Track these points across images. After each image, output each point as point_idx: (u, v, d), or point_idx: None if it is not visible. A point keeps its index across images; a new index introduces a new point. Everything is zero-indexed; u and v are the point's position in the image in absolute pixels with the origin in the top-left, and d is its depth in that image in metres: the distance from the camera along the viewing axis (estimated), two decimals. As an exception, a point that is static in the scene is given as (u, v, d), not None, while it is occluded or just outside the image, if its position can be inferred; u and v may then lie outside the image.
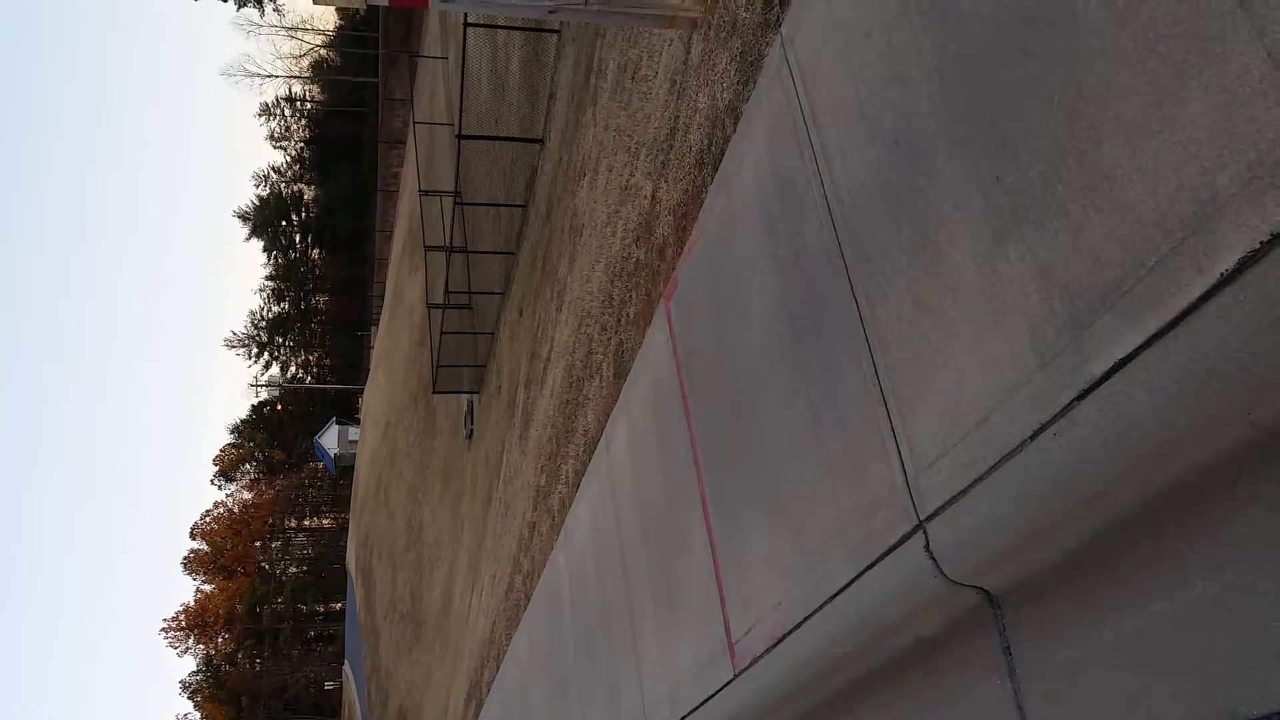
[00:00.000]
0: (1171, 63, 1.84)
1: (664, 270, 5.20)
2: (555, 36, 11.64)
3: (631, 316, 6.04)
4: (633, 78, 6.75)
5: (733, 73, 4.23)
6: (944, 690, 2.80)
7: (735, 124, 4.10)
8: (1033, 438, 2.14)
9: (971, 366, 2.38)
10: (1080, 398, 2.02)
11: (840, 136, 3.09)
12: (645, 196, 5.84)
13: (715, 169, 4.30)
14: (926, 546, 2.54)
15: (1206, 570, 1.98)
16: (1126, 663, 2.18)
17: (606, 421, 6.42)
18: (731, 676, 3.88)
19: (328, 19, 71.88)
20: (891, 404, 2.73)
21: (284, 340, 79.71)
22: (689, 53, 5.14)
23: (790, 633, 3.35)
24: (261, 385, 79.46)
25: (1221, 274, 1.72)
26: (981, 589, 2.55)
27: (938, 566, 2.52)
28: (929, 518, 2.53)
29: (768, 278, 3.62)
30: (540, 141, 12.20)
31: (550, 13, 4.90)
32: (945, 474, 2.45)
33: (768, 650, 3.54)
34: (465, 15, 12.89)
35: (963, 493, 2.38)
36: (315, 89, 76.95)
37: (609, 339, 6.68)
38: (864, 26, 2.98)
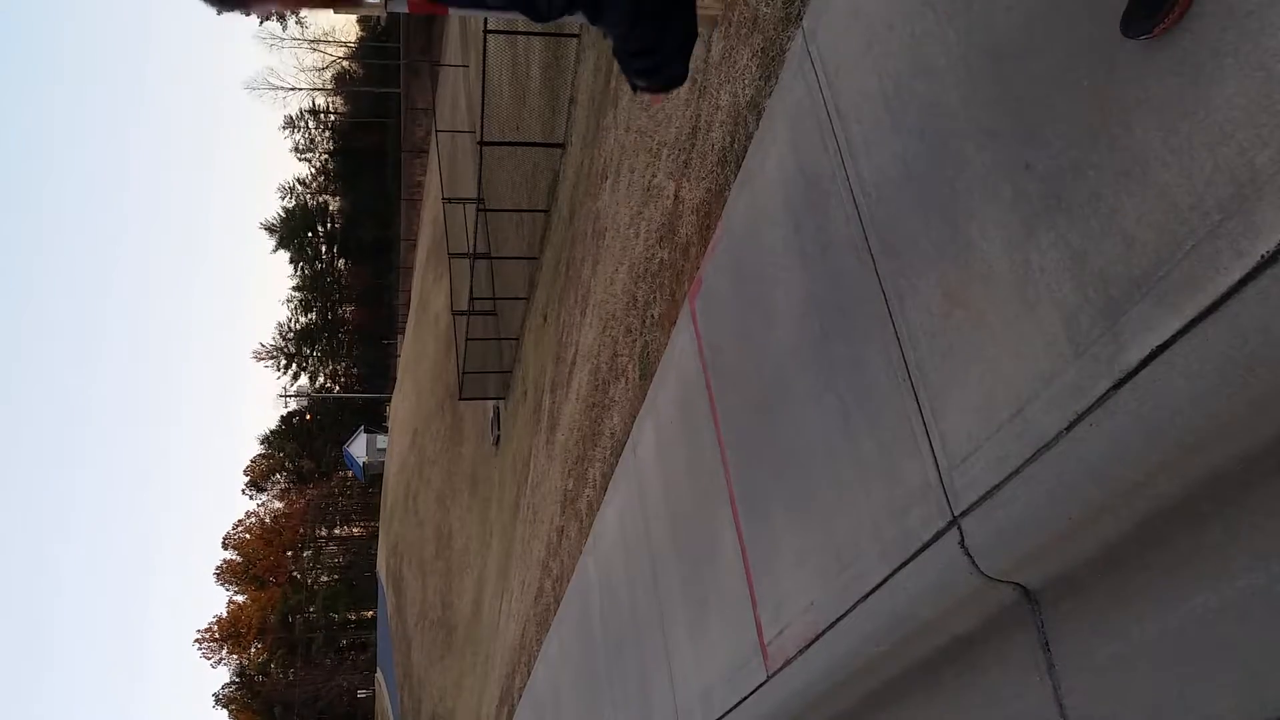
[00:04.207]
0: (1205, 40, 1.79)
1: (688, 270, 5.18)
2: (575, 41, 11.66)
3: (656, 317, 6.02)
4: (653, 79, 6.73)
5: (754, 69, 4.20)
6: (982, 689, 2.75)
7: (758, 120, 4.08)
8: (1069, 429, 2.10)
9: (1004, 358, 2.34)
10: (1117, 386, 1.98)
11: (865, 129, 3.05)
12: (668, 197, 5.82)
13: (738, 166, 4.27)
14: (961, 543, 2.49)
15: (1252, 562, 1.93)
16: (1170, 658, 2.13)
17: (633, 424, 6.40)
18: (764, 679, 3.85)
19: (349, 31, 72.57)
20: (923, 398, 2.68)
21: (312, 350, 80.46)
22: (709, 50, 5.11)
23: (823, 634, 3.31)
24: (290, 396, 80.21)
25: (1262, 256, 1.67)
26: (1018, 585, 2.50)
27: (973, 563, 2.48)
28: (963, 513, 2.49)
29: (793, 274, 3.59)
30: (562, 146, 12.23)
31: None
32: (979, 468, 2.41)
33: (800, 652, 3.50)
34: (485, 22, 12.94)
35: (998, 487, 2.34)
36: (338, 101, 77.70)
37: (634, 341, 6.66)
38: (887, 17, 2.94)
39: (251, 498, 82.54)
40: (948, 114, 2.60)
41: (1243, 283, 1.70)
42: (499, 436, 18.14)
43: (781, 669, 3.68)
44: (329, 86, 76.28)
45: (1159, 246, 1.88)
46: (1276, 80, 1.66)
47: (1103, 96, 2.04)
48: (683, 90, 5.72)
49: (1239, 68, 1.73)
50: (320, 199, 78.08)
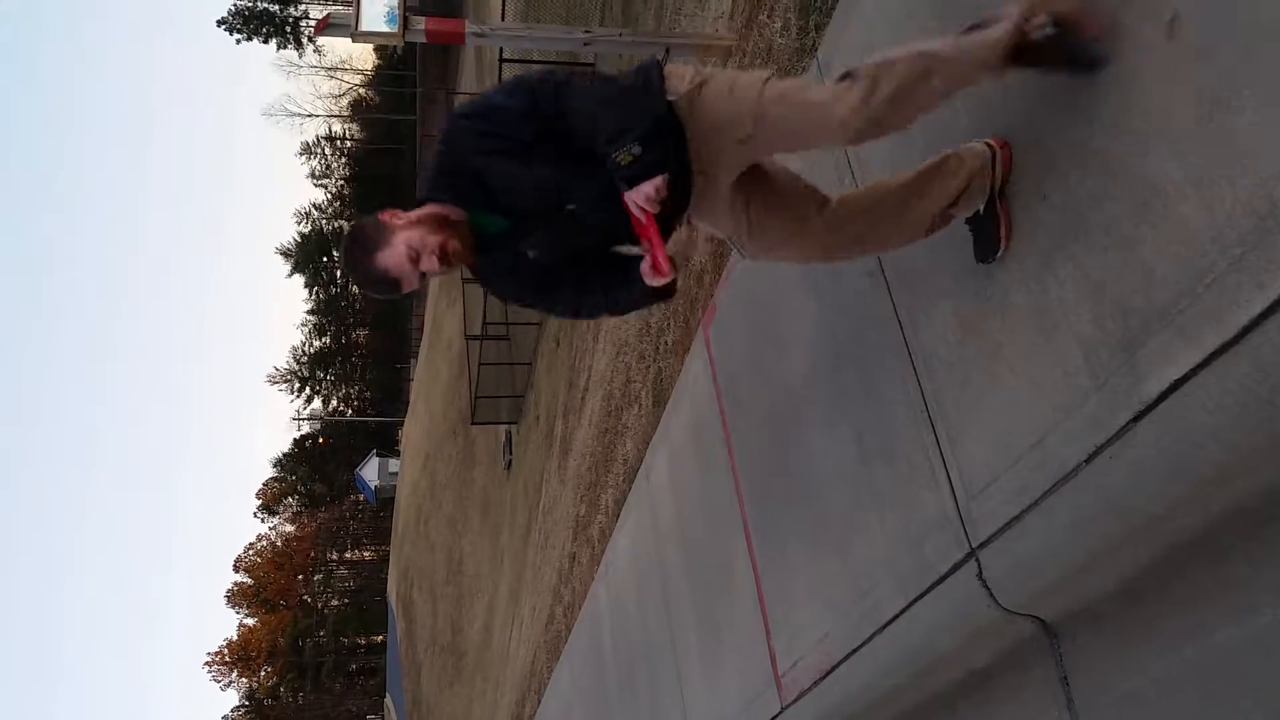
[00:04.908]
0: (1223, 73, 1.79)
1: (702, 297, 5.18)
2: (589, 70, 11.74)
3: (669, 344, 6.02)
4: (667, 107, 6.77)
5: (769, 99, 4.21)
6: (999, 723, 2.72)
7: (772, 150, 4.08)
8: (1088, 461, 2.08)
9: (1022, 389, 2.33)
10: (1137, 419, 1.96)
11: (879, 157, 3.06)
12: (682, 223, 5.82)
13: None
14: (979, 575, 2.47)
15: (1274, 597, 1.91)
16: (1190, 694, 2.10)
17: (646, 450, 6.38)
18: (778, 710, 3.81)
19: (366, 58, 73.34)
20: (940, 428, 2.67)
21: (325, 374, 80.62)
22: (724, 80, 5.14)
23: (838, 665, 3.28)
24: (303, 419, 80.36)
25: (1284, 290, 1.66)
26: (1037, 618, 2.48)
27: (991, 595, 2.45)
28: (981, 545, 2.47)
29: (808, 302, 3.59)
30: (576, 173, 12.26)
31: (584, 45, 4.94)
32: (997, 500, 2.39)
33: (815, 684, 3.46)
34: (500, 51, 13.05)
35: (1016, 519, 2.32)
36: (354, 127, 78.37)
37: (647, 367, 6.67)
38: (902, 48, 2.95)
39: (263, 521, 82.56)
40: (963, 142, 2.60)
41: (1263, 316, 1.69)
42: (511, 461, 18.13)
43: (796, 701, 3.64)
44: (345, 113, 77.05)
45: (1178, 279, 1.87)
46: (1296, 113, 1.66)
47: (1118, 126, 2.04)
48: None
49: (1257, 100, 1.72)
50: (336, 224, 78.57)
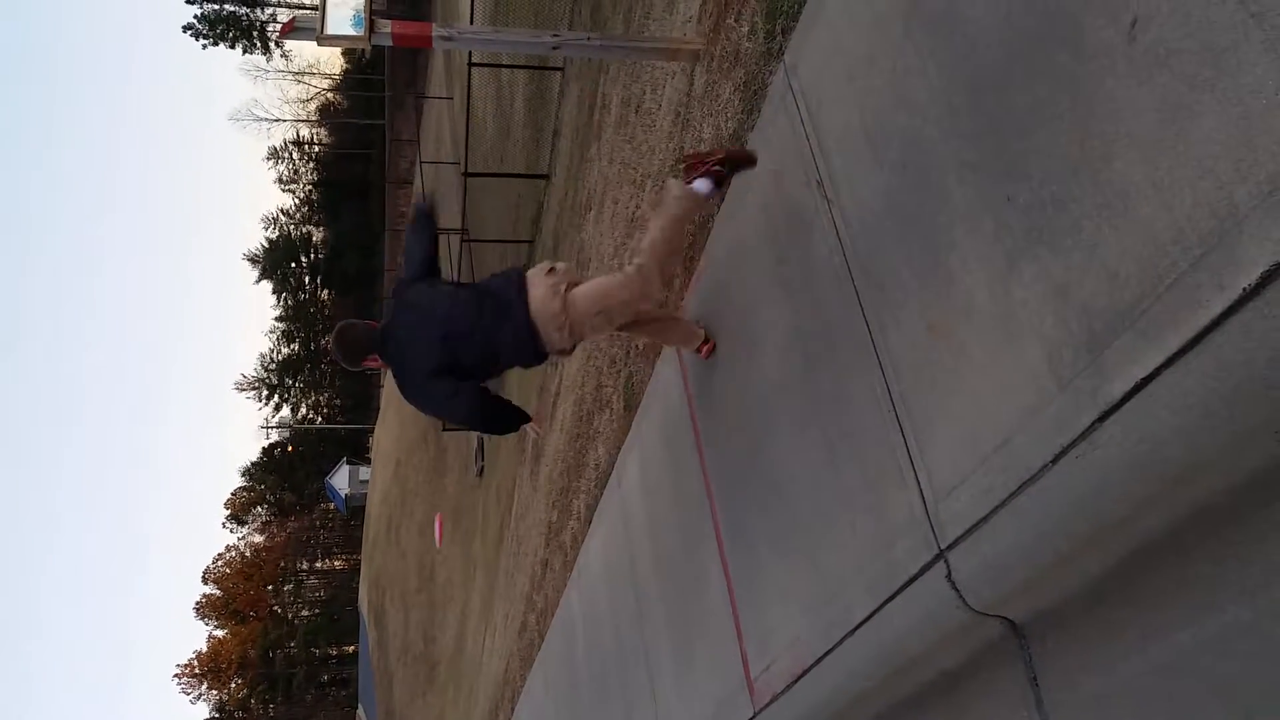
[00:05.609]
0: (1183, 76, 1.81)
1: (672, 301, 5.17)
2: (559, 74, 11.74)
3: (641, 348, 6.01)
4: (636, 111, 6.77)
5: (736, 102, 4.22)
6: (970, 724, 2.73)
7: (740, 153, 4.09)
8: (1054, 461, 2.09)
9: (989, 390, 2.34)
10: (1101, 419, 1.97)
11: (847, 162, 3.07)
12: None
13: (721, 198, 4.28)
14: (948, 576, 2.47)
15: (1238, 596, 1.92)
16: (1157, 693, 2.11)
17: (618, 455, 6.37)
18: (751, 715, 3.80)
19: (334, 63, 72.86)
20: (908, 430, 2.68)
21: (294, 381, 79.88)
22: (692, 84, 5.15)
23: (810, 669, 3.28)
24: (272, 427, 79.53)
25: (1244, 289, 1.67)
26: (1006, 618, 2.49)
27: (960, 596, 2.46)
28: (950, 546, 2.47)
29: (777, 306, 3.59)
30: (546, 177, 12.27)
31: (553, 49, 4.92)
32: (965, 501, 2.39)
33: (787, 687, 3.46)
34: (469, 55, 13.02)
35: (984, 520, 2.32)
36: (322, 132, 77.81)
37: (618, 371, 6.65)
38: (868, 52, 2.96)
39: (232, 531, 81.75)
40: (929, 147, 2.61)
41: (1225, 315, 1.71)
42: (483, 468, 18.05)
43: (768, 705, 3.64)
44: (313, 118, 76.51)
45: (1141, 280, 1.89)
46: (1254, 116, 1.67)
47: (1083, 131, 2.05)
48: (666, 123, 5.75)
49: (1217, 103, 1.74)
50: (304, 230, 77.92)
